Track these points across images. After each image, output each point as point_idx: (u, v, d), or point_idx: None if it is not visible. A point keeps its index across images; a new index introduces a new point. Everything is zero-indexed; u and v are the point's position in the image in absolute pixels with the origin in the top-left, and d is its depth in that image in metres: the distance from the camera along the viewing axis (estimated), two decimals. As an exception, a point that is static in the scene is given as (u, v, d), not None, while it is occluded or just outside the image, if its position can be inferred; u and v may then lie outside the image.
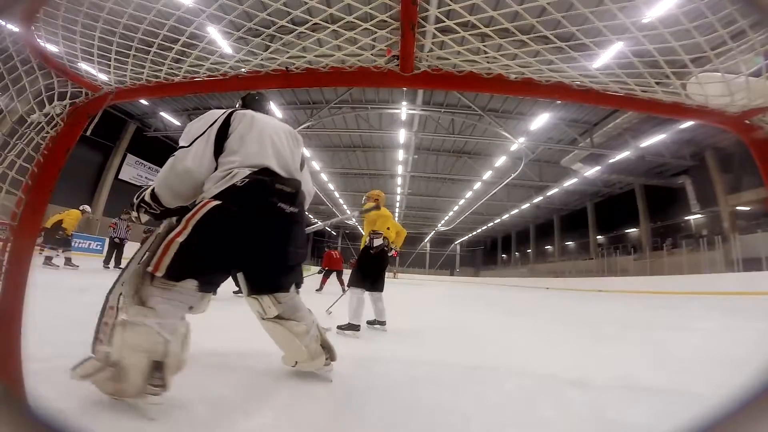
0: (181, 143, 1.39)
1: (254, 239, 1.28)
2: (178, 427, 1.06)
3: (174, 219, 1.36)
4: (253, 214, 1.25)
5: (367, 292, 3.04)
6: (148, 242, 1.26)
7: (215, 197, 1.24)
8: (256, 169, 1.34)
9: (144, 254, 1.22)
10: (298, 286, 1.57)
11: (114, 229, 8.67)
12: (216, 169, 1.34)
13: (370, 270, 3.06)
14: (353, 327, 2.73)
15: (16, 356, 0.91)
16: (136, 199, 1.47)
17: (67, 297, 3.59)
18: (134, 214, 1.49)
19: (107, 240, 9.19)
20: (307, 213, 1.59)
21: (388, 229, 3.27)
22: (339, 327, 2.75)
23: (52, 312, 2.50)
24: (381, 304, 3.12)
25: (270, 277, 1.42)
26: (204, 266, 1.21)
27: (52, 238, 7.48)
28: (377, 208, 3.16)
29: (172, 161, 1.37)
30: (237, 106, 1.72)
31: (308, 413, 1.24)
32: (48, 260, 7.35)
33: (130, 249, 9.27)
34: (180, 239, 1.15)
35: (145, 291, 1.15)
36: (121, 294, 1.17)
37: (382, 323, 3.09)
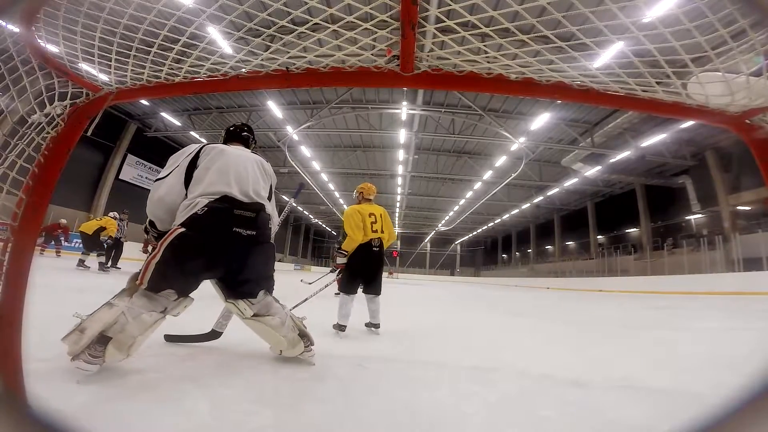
0: (160, 175, 1.71)
1: (214, 259, 1.55)
2: (179, 427, 1.06)
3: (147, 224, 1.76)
4: (210, 239, 1.52)
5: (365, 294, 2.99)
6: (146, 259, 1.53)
7: (182, 224, 1.51)
8: (216, 197, 1.59)
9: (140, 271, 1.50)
10: (269, 291, 1.77)
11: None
12: (186, 197, 1.62)
13: (353, 272, 2.93)
14: (339, 327, 2.74)
15: (16, 356, 0.91)
16: (144, 226, 1.82)
17: (67, 297, 3.59)
18: (146, 236, 1.88)
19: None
20: (271, 229, 1.82)
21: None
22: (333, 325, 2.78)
23: (52, 312, 2.50)
24: (374, 306, 2.99)
25: (237, 287, 1.65)
26: (176, 280, 1.48)
27: (97, 243, 7.79)
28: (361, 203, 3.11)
29: (151, 194, 1.68)
30: (220, 139, 2.03)
31: (308, 413, 1.24)
32: (81, 263, 7.63)
33: (128, 248, 9.32)
34: (155, 260, 1.45)
35: (132, 291, 1.47)
36: (123, 289, 1.49)
37: (375, 326, 2.95)
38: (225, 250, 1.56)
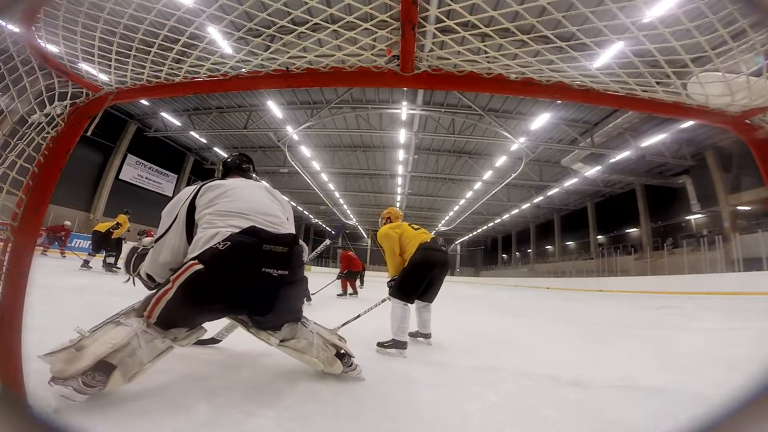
0: (157, 234, 1.52)
1: (237, 301, 1.34)
2: (178, 427, 1.06)
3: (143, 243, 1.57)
4: (234, 280, 1.29)
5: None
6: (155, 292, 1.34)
7: (199, 258, 1.27)
8: (240, 229, 1.34)
9: (148, 301, 1.30)
10: (298, 321, 1.61)
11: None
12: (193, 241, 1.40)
13: (407, 279, 2.53)
14: (399, 344, 2.26)
15: (16, 356, 0.91)
16: (132, 268, 1.70)
17: (67, 297, 3.59)
18: (131, 274, 1.77)
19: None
20: (305, 262, 1.56)
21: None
22: (379, 344, 2.30)
23: (52, 312, 2.50)
24: (426, 315, 2.70)
25: (260, 323, 1.48)
26: (189, 319, 1.31)
27: (108, 243, 7.96)
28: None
29: (152, 256, 1.51)
30: (217, 173, 1.89)
31: (308, 414, 1.24)
32: (109, 266, 7.78)
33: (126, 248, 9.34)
34: (167, 297, 1.24)
35: (145, 320, 1.25)
36: (133, 306, 1.32)
37: (426, 335, 2.67)
38: (250, 292, 1.32)
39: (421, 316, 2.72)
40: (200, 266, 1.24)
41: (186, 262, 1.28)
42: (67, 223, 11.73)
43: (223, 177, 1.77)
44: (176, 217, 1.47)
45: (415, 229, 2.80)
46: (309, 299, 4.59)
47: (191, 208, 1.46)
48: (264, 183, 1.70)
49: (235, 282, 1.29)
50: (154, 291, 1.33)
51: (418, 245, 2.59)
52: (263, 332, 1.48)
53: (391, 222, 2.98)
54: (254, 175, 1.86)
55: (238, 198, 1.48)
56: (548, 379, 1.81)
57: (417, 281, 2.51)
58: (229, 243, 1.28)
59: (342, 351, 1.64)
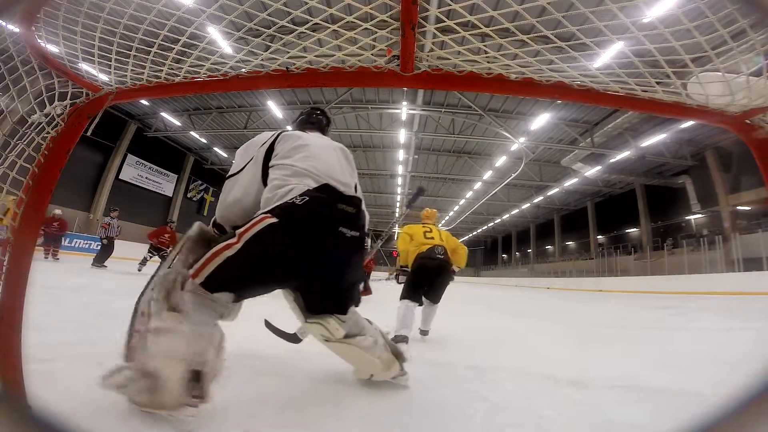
0: (231, 171, 1.40)
1: (310, 263, 1.17)
2: (178, 427, 1.06)
3: (211, 226, 1.37)
4: (312, 239, 1.16)
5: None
6: (179, 246, 1.21)
7: (271, 212, 1.14)
8: (314, 186, 1.24)
9: (175, 258, 1.17)
10: (357, 304, 1.45)
11: (106, 229, 8.77)
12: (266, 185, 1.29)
13: (407, 283, 2.92)
14: (398, 338, 2.50)
15: (16, 356, 0.91)
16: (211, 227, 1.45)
17: (66, 297, 3.59)
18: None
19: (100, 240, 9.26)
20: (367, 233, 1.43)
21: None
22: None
23: (52, 312, 2.50)
24: (428, 311, 3.00)
25: (326, 300, 1.32)
26: (246, 283, 1.15)
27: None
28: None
29: (222, 197, 1.38)
30: (289, 127, 1.70)
31: (309, 414, 1.24)
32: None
33: (122, 249, 9.41)
34: (228, 252, 1.09)
35: (176, 296, 1.07)
36: (152, 299, 1.09)
37: (423, 331, 2.96)
38: (326, 254, 1.19)
39: (424, 312, 2.99)
40: (274, 219, 1.12)
41: (256, 216, 1.16)
42: (57, 212, 9.67)
43: (300, 129, 1.62)
44: (253, 157, 1.37)
45: (428, 236, 3.10)
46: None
47: (270, 151, 1.36)
48: (339, 144, 1.57)
49: (312, 239, 1.16)
50: (176, 254, 1.19)
51: (417, 255, 2.97)
52: (332, 320, 1.30)
53: (421, 222, 3.37)
54: (328, 128, 1.76)
55: (314, 156, 1.36)
56: (548, 379, 1.81)
57: (413, 285, 2.88)
58: (307, 198, 1.18)
59: (399, 351, 1.51)
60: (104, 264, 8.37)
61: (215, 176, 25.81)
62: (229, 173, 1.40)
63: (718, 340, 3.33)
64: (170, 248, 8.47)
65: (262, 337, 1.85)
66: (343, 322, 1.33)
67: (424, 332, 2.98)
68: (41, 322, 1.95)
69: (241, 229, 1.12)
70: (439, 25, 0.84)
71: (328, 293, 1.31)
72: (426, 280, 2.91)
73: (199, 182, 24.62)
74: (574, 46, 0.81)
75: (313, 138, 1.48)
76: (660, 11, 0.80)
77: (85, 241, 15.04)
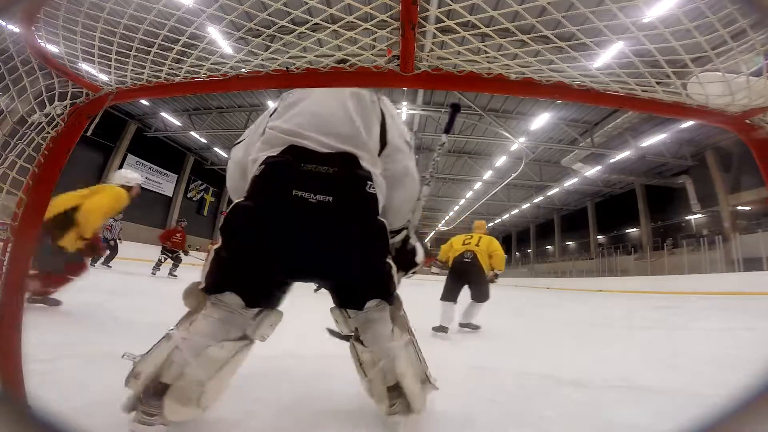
0: (239, 139, 1.29)
1: (275, 239, 1.02)
2: (178, 427, 1.06)
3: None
4: (264, 212, 1.01)
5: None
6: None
7: (247, 191, 1.07)
8: (278, 151, 1.07)
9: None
10: (385, 298, 1.13)
11: (109, 230, 8.80)
12: None
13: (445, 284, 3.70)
14: (438, 328, 3.20)
15: (16, 356, 0.91)
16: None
17: (67, 297, 3.59)
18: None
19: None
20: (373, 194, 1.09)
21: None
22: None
23: (53, 312, 2.50)
24: (472, 309, 3.63)
25: (337, 290, 1.15)
26: (236, 273, 1.04)
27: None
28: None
29: (229, 161, 1.30)
30: None
31: (309, 414, 1.24)
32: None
33: (122, 249, 9.45)
34: (215, 246, 1.04)
35: (193, 303, 1.04)
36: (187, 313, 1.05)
37: (466, 325, 3.56)
38: (287, 226, 1.01)
39: (467, 309, 3.62)
40: (240, 200, 1.05)
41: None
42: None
43: None
44: (257, 124, 1.27)
45: (465, 242, 3.82)
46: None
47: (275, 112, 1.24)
48: (358, 90, 1.24)
49: (264, 212, 1.01)
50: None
51: (453, 259, 3.74)
52: (335, 310, 1.16)
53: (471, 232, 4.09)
54: None
55: (303, 112, 1.16)
56: (548, 379, 1.81)
57: (448, 286, 3.63)
58: (264, 166, 1.05)
59: (404, 390, 1.09)
60: (110, 264, 8.50)
61: (215, 176, 25.80)
62: (236, 141, 1.29)
63: (718, 340, 3.33)
64: (182, 249, 8.44)
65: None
66: (348, 318, 1.13)
67: (463, 325, 3.53)
68: (41, 322, 1.95)
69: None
70: (439, 25, 0.84)
71: (326, 282, 1.16)
72: (458, 280, 3.63)
73: (199, 182, 24.63)
74: (574, 46, 0.81)
75: (323, 91, 1.23)
76: (660, 11, 0.80)
77: (85, 241, 15.04)
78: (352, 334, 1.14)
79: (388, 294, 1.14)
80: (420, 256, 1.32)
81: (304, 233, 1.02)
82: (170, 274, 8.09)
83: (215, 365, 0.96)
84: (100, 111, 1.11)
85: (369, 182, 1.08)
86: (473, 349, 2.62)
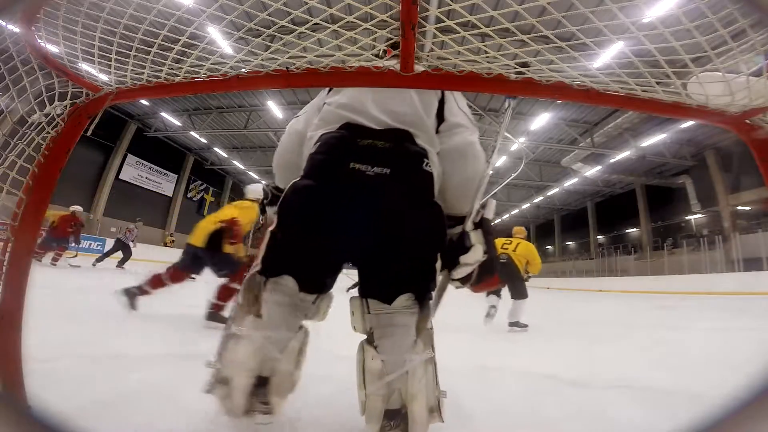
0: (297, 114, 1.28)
1: (331, 215, 0.97)
2: (178, 427, 1.06)
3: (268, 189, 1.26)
4: (322, 185, 0.98)
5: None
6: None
7: (304, 170, 1.05)
8: (335, 128, 1.06)
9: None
10: (420, 297, 1.01)
11: (131, 233, 9.27)
12: None
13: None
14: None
15: (16, 356, 0.91)
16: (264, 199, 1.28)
17: (67, 297, 3.59)
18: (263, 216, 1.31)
19: (116, 240, 9.42)
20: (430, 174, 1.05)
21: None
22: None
23: (53, 312, 2.50)
24: (513, 307, 3.97)
25: (368, 276, 1.05)
26: (293, 257, 1.00)
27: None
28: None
29: (284, 135, 1.26)
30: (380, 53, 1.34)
31: (310, 415, 1.24)
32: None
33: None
34: (271, 227, 1.01)
35: (261, 298, 0.98)
36: (237, 303, 1.02)
37: (514, 324, 3.85)
38: (343, 202, 0.97)
39: (511, 309, 3.97)
40: (297, 179, 1.03)
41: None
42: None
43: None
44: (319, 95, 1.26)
45: (504, 247, 4.18)
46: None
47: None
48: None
49: (323, 182, 0.98)
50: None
51: None
52: (355, 301, 1.06)
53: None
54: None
55: (360, 88, 1.12)
56: (549, 379, 1.81)
57: None
58: (319, 143, 1.04)
59: (441, 400, 1.03)
60: (124, 266, 8.79)
61: (215, 176, 25.80)
62: (296, 115, 1.28)
63: (718, 340, 3.33)
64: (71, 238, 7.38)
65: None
66: (367, 313, 1.01)
67: (512, 324, 3.84)
68: (42, 322, 1.95)
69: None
70: (439, 25, 0.84)
71: (367, 263, 1.04)
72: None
73: (199, 182, 24.62)
74: (574, 46, 0.81)
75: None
76: (660, 11, 0.80)
77: (85, 241, 15.01)
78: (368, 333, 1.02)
79: (424, 292, 1.03)
80: (473, 256, 1.06)
81: (360, 209, 0.96)
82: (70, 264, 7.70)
83: (294, 353, 0.97)
84: (100, 111, 1.11)
85: (425, 159, 1.04)
86: (473, 349, 2.62)
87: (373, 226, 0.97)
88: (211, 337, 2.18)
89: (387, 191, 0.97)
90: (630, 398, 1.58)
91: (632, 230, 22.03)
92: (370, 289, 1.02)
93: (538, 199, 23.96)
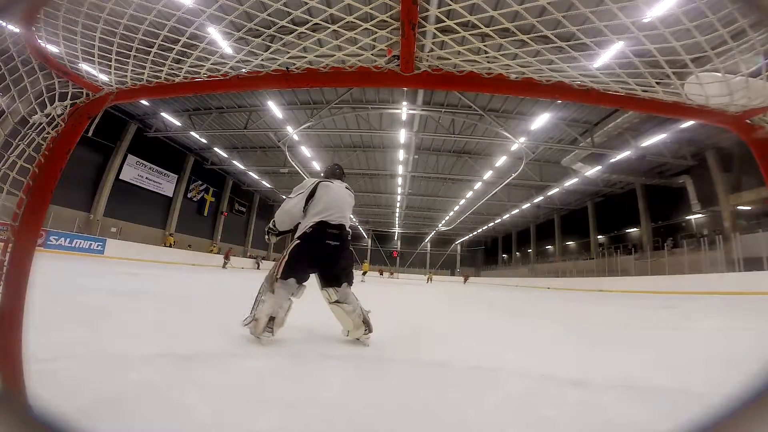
0: (290, 196, 2.48)
1: (316, 259, 2.32)
2: (178, 427, 1.06)
3: (269, 227, 2.58)
4: (313, 248, 2.31)
5: None
6: (276, 263, 2.34)
7: (299, 238, 2.33)
8: (317, 221, 2.34)
9: (274, 270, 2.29)
10: (349, 283, 2.39)
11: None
12: (304, 216, 2.41)
13: None
14: None
15: (16, 356, 0.91)
16: (266, 228, 2.61)
17: (67, 297, 3.59)
18: (266, 237, 2.67)
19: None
20: (350, 239, 2.51)
21: None
22: None
23: (53, 312, 2.50)
24: None
25: (328, 278, 2.34)
26: (296, 272, 2.25)
27: None
28: None
29: (283, 204, 2.49)
30: (322, 175, 2.76)
31: (311, 415, 1.24)
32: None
33: (122, 249, 9.46)
34: (284, 260, 2.25)
35: (273, 285, 2.20)
36: (263, 285, 2.30)
37: None
38: (321, 254, 2.31)
39: None
40: (298, 241, 2.31)
41: (294, 240, 2.35)
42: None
43: (328, 177, 2.66)
44: (303, 192, 2.43)
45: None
46: None
47: (313, 191, 2.43)
48: (347, 189, 2.64)
49: (313, 247, 2.31)
50: (276, 264, 2.31)
51: None
52: (330, 289, 2.31)
53: None
54: (343, 177, 2.80)
55: (332, 198, 2.45)
56: (548, 379, 1.80)
57: None
58: (311, 229, 2.31)
59: (367, 319, 2.37)
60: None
61: (215, 176, 25.80)
62: (289, 197, 2.49)
63: (719, 340, 3.33)
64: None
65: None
66: (336, 292, 2.32)
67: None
68: (41, 322, 1.95)
69: (288, 249, 2.30)
70: (439, 25, 0.84)
71: (328, 274, 2.35)
72: None
73: (200, 182, 24.63)
74: (574, 46, 0.81)
75: (336, 185, 2.56)
76: (660, 11, 0.80)
77: (86, 242, 15.02)
78: (337, 300, 2.32)
79: (350, 281, 2.44)
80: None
81: (327, 256, 2.35)
82: None
83: (287, 307, 2.18)
84: (100, 111, 1.11)
85: (349, 234, 2.49)
86: (473, 349, 2.62)
87: (332, 262, 2.35)
88: (211, 338, 2.18)
89: (338, 250, 2.38)
90: (630, 398, 1.58)
91: (632, 230, 22.03)
92: (330, 282, 2.34)
93: (539, 199, 23.96)
